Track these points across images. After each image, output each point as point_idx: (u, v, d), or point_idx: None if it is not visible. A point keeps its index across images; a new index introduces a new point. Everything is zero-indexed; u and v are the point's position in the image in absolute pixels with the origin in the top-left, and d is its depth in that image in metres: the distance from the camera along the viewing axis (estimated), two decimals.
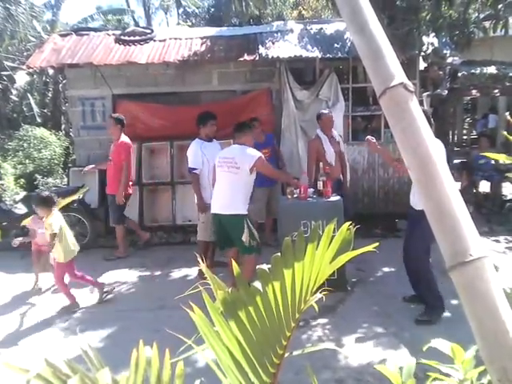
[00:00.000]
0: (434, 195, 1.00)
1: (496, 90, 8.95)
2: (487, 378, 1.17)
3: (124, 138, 6.41)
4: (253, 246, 4.56)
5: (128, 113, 7.44)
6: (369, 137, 4.60)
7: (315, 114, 6.64)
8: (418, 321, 4.11)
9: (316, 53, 7.00)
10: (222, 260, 5.59)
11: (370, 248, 1.20)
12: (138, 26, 16.18)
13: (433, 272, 4.20)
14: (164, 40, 7.71)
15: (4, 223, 6.80)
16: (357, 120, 7.65)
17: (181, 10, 21.71)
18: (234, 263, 1.27)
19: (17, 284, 5.50)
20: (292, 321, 1.16)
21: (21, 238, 5.24)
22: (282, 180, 5.51)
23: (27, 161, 10.83)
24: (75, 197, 6.79)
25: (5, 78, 14.64)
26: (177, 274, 5.71)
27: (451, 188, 1.00)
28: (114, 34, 8.00)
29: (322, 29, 7.76)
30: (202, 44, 7.57)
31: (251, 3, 8.87)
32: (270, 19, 15.28)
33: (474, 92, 9.28)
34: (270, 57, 6.97)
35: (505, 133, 1.86)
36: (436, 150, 1.03)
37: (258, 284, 1.14)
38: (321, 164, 5.50)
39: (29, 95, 15.16)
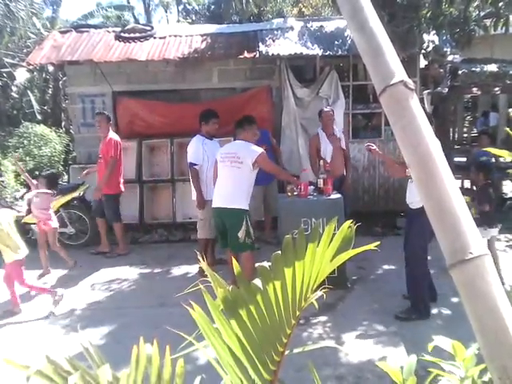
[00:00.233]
0: (434, 193, 1.00)
1: (496, 88, 8.94)
2: (488, 376, 1.17)
3: (112, 135, 6.34)
4: (247, 243, 4.55)
5: (128, 110, 7.46)
6: (368, 144, 4.61)
7: (315, 111, 6.64)
8: (396, 316, 4.17)
9: (316, 50, 7.00)
10: (222, 257, 5.60)
11: (370, 246, 1.20)
12: (138, 23, 16.16)
13: (427, 275, 4.21)
14: (164, 37, 7.70)
15: None
16: (357, 118, 7.64)
17: (181, 7, 21.69)
18: (234, 261, 1.27)
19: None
20: (292, 318, 1.16)
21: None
22: (282, 177, 5.49)
23: (27, 158, 10.82)
24: (75, 194, 6.80)
25: (5, 74, 14.62)
26: (177, 271, 5.72)
27: (451, 186, 1.00)
28: (113, 31, 8.01)
29: (322, 26, 7.75)
30: (202, 41, 7.56)
31: (251, 0, 8.86)
32: (270, 16, 15.24)
33: (474, 90, 9.25)
34: (270, 54, 6.96)
35: (507, 129, 1.85)
36: (436, 147, 1.03)
37: (258, 282, 1.14)
38: (321, 162, 5.51)
39: (29, 92, 15.14)
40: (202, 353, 1.22)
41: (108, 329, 4.20)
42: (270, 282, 1.12)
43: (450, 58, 7.84)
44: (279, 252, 1.15)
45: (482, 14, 5.82)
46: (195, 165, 5.29)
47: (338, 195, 5.00)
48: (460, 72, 7.93)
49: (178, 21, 20.32)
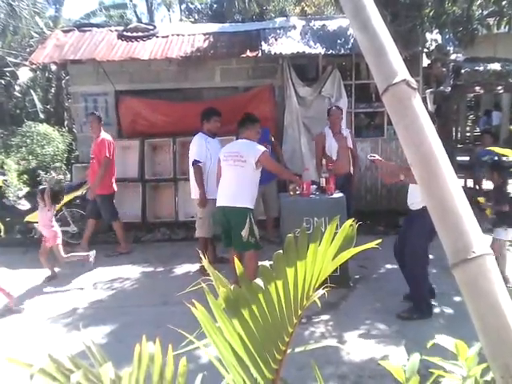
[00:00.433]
0: (436, 192, 1.00)
1: (499, 87, 8.93)
2: (490, 375, 1.17)
3: (104, 135, 6.32)
4: (250, 242, 4.54)
5: (130, 109, 7.47)
6: (370, 155, 4.59)
7: (318, 110, 6.64)
8: (398, 315, 4.17)
9: (319, 49, 6.99)
10: (223, 256, 5.61)
11: (372, 245, 1.20)
12: (141, 22, 16.17)
13: (427, 276, 4.21)
14: (167, 36, 7.70)
15: (7, 219, 6.83)
16: (360, 116, 7.64)
17: (183, 6, 21.67)
18: (236, 260, 1.28)
19: (20, 279, 5.52)
20: (294, 317, 1.16)
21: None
22: (284, 176, 5.47)
23: (30, 157, 10.85)
24: (78, 193, 6.81)
25: (7, 74, 14.65)
26: (179, 269, 5.73)
27: (454, 185, 1.00)
28: (116, 30, 8.01)
29: (324, 25, 7.73)
30: (204, 40, 7.56)
31: None
32: (272, 15, 15.23)
33: (477, 89, 9.25)
34: (272, 53, 6.96)
35: (511, 127, 1.85)
36: (439, 147, 1.03)
37: (260, 281, 1.14)
38: (323, 160, 5.51)
39: (32, 91, 15.17)
40: (204, 352, 1.22)
41: (110, 327, 4.21)
42: (271, 280, 1.12)
43: (452, 56, 7.82)
44: (281, 251, 1.15)
45: (485, 12, 5.80)
46: (199, 162, 5.29)
47: (341, 194, 4.99)
48: (463, 71, 7.92)
49: (181, 20, 20.30)
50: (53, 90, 15.76)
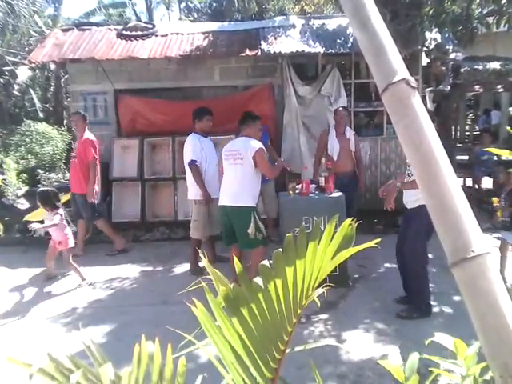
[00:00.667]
0: (436, 192, 1.00)
1: (499, 86, 8.92)
2: (489, 374, 1.17)
3: (88, 135, 6.24)
4: (258, 238, 4.55)
5: (130, 108, 7.47)
6: (382, 191, 4.45)
7: (317, 109, 6.62)
8: (398, 315, 4.17)
9: (318, 48, 6.98)
10: (222, 255, 5.61)
11: (371, 244, 1.20)
12: (140, 20, 16.15)
13: (427, 275, 4.20)
14: (166, 35, 7.69)
15: (6, 218, 6.82)
16: (359, 116, 7.63)
17: (183, 5, 21.62)
18: (236, 260, 1.28)
19: (19, 279, 5.52)
20: (294, 316, 1.16)
21: (40, 226, 5.29)
22: (274, 175, 5.04)
23: (29, 156, 10.85)
24: None
25: (7, 72, 14.65)
26: (179, 269, 5.72)
27: (454, 184, 1.00)
28: (115, 29, 7.99)
29: (324, 24, 7.72)
30: (203, 39, 7.55)
31: None
32: (272, 14, 15.21)
33: (476, 88, 9.25)
34: (272, 52, 6.95)
35: (508, 128, 1.85)
36: (439, 146, 1.03)
37: (259, 279, 1.14)
38: (323, 160, 5.50)
39: (31, 90, 15.17)
40: (203, 351, 1.22)
41: (109, 327, 4.21)
42: (271, 279, 1.12)
43: (452, 55, 7.82)
44: (280, 250, 1.15)
45: (485, 11, 5.80)
46: (196, 162, 5.27)
47: (340, 193, 4.99)
48: (462, 70, 7.92)
49: (180, 18, 20.26)
50: (52, 89, 15.76)
